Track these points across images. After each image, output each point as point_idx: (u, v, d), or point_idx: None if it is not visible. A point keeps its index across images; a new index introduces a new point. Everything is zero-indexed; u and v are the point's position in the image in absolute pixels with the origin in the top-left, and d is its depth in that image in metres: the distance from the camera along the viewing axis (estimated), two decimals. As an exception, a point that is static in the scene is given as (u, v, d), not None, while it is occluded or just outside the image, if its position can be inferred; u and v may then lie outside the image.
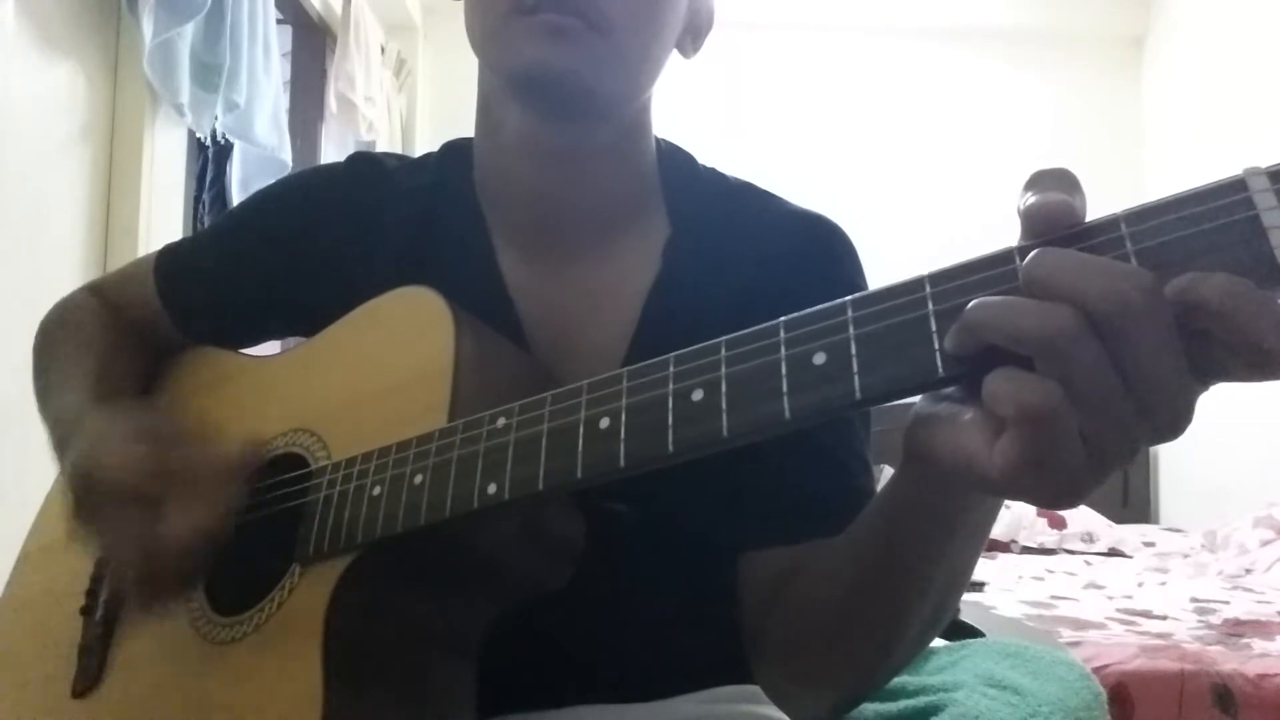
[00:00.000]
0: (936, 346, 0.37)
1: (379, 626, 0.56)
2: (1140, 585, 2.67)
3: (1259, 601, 2.38)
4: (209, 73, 2.17)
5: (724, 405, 0.42)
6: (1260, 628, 2.06)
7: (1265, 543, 2.92)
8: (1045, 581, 2.70)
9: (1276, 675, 1.69)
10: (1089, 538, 3.45)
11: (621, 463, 0.45)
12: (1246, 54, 3.49)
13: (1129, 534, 3.48)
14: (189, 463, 0.58)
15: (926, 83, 4.26)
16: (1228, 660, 1.74)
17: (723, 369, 0.42)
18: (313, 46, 3.52)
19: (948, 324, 0.37)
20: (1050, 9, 4.19)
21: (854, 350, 0.39)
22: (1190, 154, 3.81)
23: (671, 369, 0.44)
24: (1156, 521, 3.92)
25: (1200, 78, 3.81)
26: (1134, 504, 3.94)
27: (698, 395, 0.43)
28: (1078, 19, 4.22)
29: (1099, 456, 0.35)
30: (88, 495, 0.59)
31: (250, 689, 0.57)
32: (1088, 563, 3.15)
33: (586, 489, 0.48)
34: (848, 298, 0.40)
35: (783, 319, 0.42)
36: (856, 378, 0.38)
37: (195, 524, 0.55)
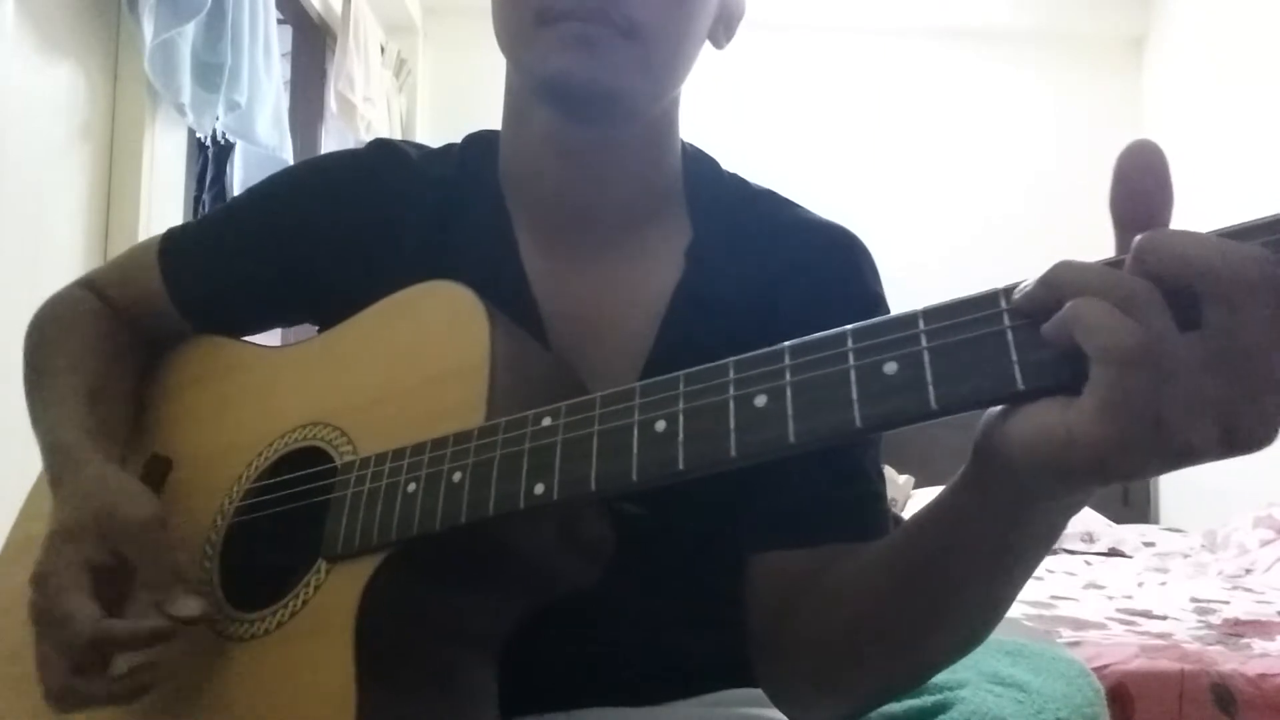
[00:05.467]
0: (1015, 359, 0.37)
1: (412, 625, 0.56)
2: (1140, 585, 2.67)
3: (1259, 601, 2.38)
4: (210, 72, 2.17)
5: (790, 412, 0.42)
6: (1260, 628, 2.06)
7: (1265, 543, 2.92)
8: (1045, 581, 2.70)
9: (1276, 675, 1.69)
10: (1089, 537, 3.44)
11: (680, 465, 0.45)
12: (1246, 54, 3.48)
13: (1129, 534, 3.47)
14: (149, 573, 0.58)
15: (926, 82, 4.26)
16: (1228, 660, 1.74)
17: (788, 376, 0.42)
18: (313, 46, 3.52)
19: (1025, 337, 0.37)
20: (1050, 9, 4.19)
21: (928, 361, 0.39)
22: (1190, 154, 3.81)
23: (732, 374, 0.44)
24: (1156, 521, 3.92)
25: (1200, 78, 3.81)
26: (1134, 504, 3.95)
27: (761, 401, 0.43)
28: (1078, 19, 4.21)
29: (1171, 441, 0.35)
30: (38, 610, 0.58)
31: (276, 687, 0.56)
32: (1088, 563, 3.15)
33: (638, 493, 0.48)
34: (919, 309, 0.40)
35: (849, 327, 0.42)
36: (931, 388, 0.39)
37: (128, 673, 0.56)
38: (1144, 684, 1.67)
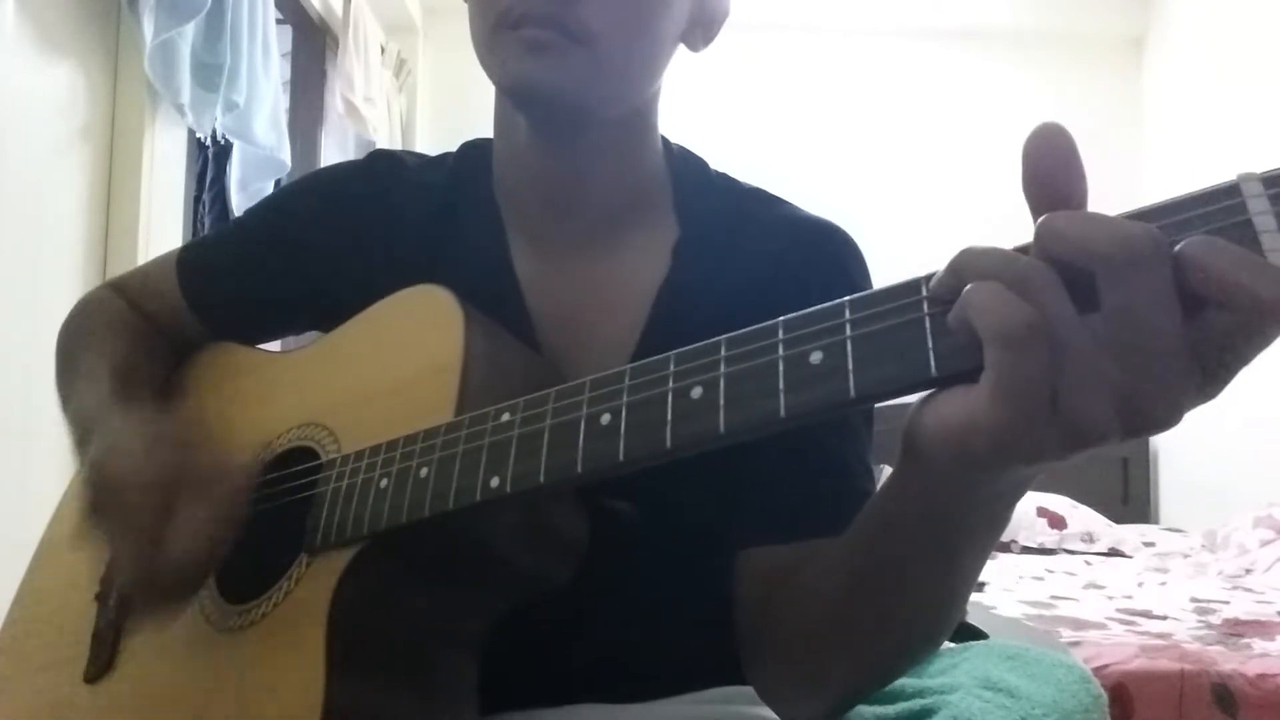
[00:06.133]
0: (931, 346, 0.37)
1: (382, 617, 0.57)
2: (1140, 585, 2.67)
3: (1259, 601, 2.38)
4: (209, 72, 2.17)
5: (722, 402, 0.42)
6: (1260, 628, 2.06)
7: (1265, 543, 2.92)
8: (1045, 581, 2.70)
9: (1276, 675, 1.69)
10: (1089, 538, 3.45)
11: (620, 458, 0.45)
12: (1246, 54, 3.49)
13: (1129, 534, 3.48)
14: (200, 473, 0.58)
15: (926, 83, 4.26)
16: (1228, 660, 1.74)
17: (722, 367, 0.43)
18: (313, 47, 3.52)
19: (942, 323, 0.37)
20: (1050, 9, 4.19)
21: (850, 349, 0.39)
22: (1190, 154, 3.81)
23: (672, 367, 0.45)
24: (1156, 521, 3.92)
25: (1200, 78, 3.81)
26: (1134, 504, 3.95)
27: (697, 393, 0.43)
28: (1078, 19, 4.22)
29: (1068, 423, 0.34)
30: (100, 497, 0.59)
31: (255, 676, 0.57)
32: (1088, 563, 3.15)
33: (587, 484, 0.48)
34: (845, 298, 0.40)
35: (782, 319, 0.42)
36: (851, 376, 0.39)
37: (200, 537, 0.55)
38: (1144, 684, 1.67)
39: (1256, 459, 3.25)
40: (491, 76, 0.67)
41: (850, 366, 0.39)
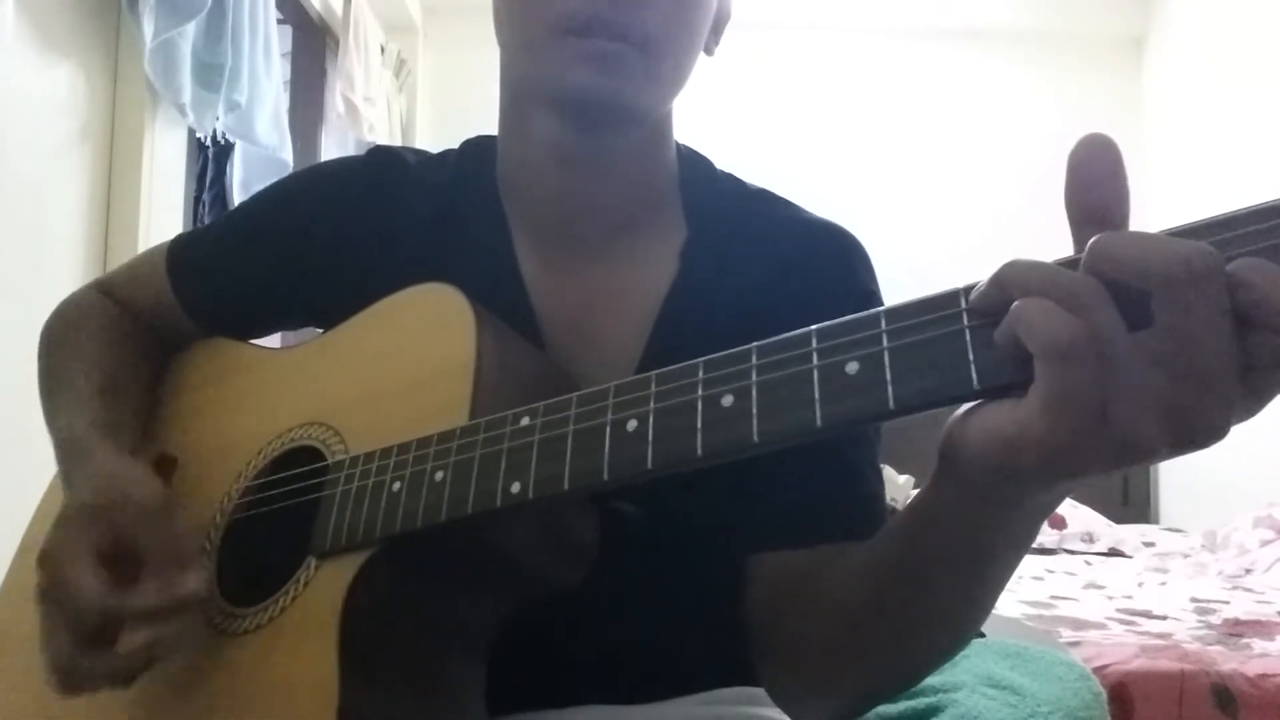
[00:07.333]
0: (972, 359, 0.37)
1: (395, 621, 0.57)
2: (1140, 585, 2.67)
3: (1259, 601, 2.38)
4: (210, 72, 2.17)
5: (755, 411, 0.42)
6: (1260, 628, 2.06)
7: (1265, 543, 2.92)
8: (1045, 581, 2.70)
9: (1276, 675, 1.69)
10: (1089, 538, 3.44)
11: (649, 465, 0.45)
12: (1246, 54, 3.48)
13: (1129, 534, 3.48)
14: (151, 570, 0.58)
15: (927, 83, 4.26)
16: (1228, 660, 1.74)
17: (754, 376, 0.43)
18: (313, 47, 3.52)
19: (983, 336, 0.37)
20: (1050, 9, 4.19)
21: (888, 360, 0.39)
22: (1190, 154, 3.81)
23: (701, 374, 0.45)
24: (1156, 521, 3.92)
25: (1200, 78, 3.81)
26: (1134, 504, 3.95)
27: (728, 400, 0.43)
28: (1078, 19, 4.22)
29: (1117, 437, 0.34)
30: (48, 586, 0.59)
31: (264, 681, 0.57)
32: (1088, 563, 3.15)
33: (609, 491, 0.48)
34: (880, 309, 0.40)
35: (814, 328, 0.42)
36: (890, 387, 0.39)
37: (132, 660, 0.57)
38: (1144, 684, 1.67)
39: (1256, 459, 3.24)
40: (539, 81, 0.65)
41: (889, 377, 0.39)
